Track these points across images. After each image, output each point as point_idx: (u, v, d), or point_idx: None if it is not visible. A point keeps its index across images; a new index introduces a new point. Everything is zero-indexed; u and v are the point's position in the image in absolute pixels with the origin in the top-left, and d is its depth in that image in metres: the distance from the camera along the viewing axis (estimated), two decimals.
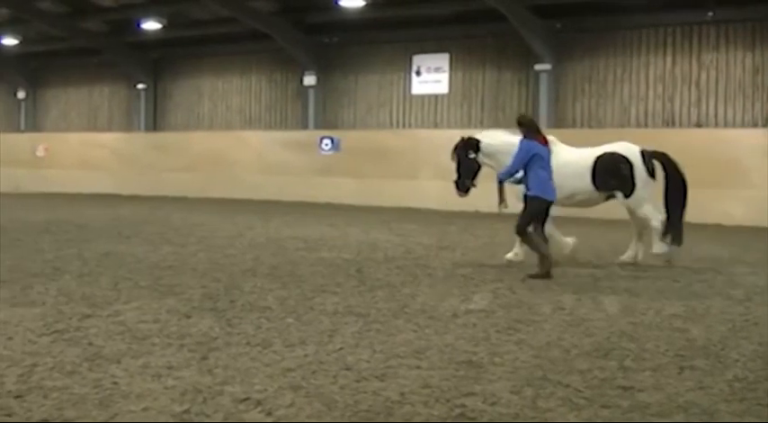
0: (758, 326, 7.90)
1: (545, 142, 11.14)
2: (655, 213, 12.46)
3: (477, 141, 12.49)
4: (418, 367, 6.09)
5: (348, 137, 28.35)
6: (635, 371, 6.11)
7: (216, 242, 14.57)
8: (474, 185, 12.54)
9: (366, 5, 26.48)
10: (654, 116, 24.77)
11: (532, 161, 10.88)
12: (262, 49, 31.38)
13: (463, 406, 5.19)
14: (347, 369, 5.99)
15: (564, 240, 12.40)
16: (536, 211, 10.99)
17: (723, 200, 21.20)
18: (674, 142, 22.01)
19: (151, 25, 31.20)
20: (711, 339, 7.23)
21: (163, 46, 33.89)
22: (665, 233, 12.41)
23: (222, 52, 32.76)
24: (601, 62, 25.55)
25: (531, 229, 11.00)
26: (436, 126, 28.05)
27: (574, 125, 25.82)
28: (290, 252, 13.19)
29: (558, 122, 25.82)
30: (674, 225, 12.39)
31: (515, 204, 11.39)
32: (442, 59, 28.25)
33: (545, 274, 10.69)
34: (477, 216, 21.21)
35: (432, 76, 28.43)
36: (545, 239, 11.19)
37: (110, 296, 8.85)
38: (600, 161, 12.40)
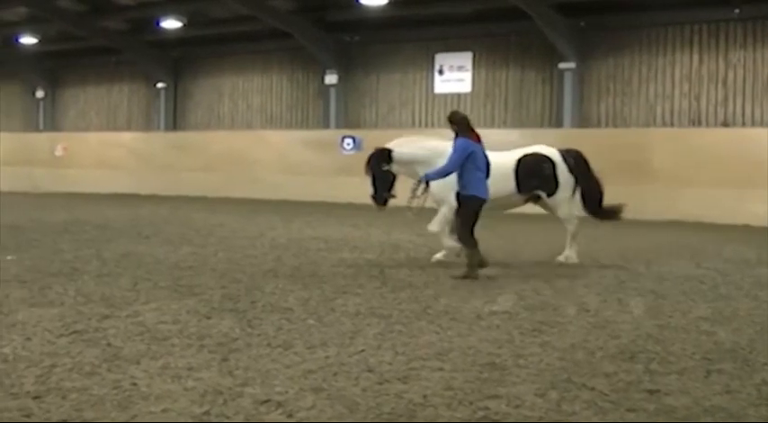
0: None
1: (478, 140, 10.86)
2: (572, 217, 12.57)
3: (390, 151, 12.30)
4: (441, 369, 6.02)
5: (370, 136, 28.19)
6: (661, 374, 6.03)
7: (236, 242, 14.53)
8: (393, 196, 12.33)
9: (388, 3, 26.37)
10: (680, 115, 24.52)
11: (468, 160, 10.59)
12: (282, 47, 31.33)
13: (486, 409, 5.14)
14: (369, 371, 5.94)
15: (451, 243, 12.10)
16: (473, 211, 10.70)
17: (750, 200, 20.89)
18: (700, 142, 21.93)
19: (171, 24, 31.23)
20: (739, 342, 7.12)
21: (182, 44, 33.88)
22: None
23: (242, 51, 32.69)
24: (626, 60, 25.33)
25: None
26: None
27: (598, 124, 25.63)
28: (312, 253, 13.13)
29: (583, 122, 25.67)
30: (601, 216, 12.78)
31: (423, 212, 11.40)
32: (465, 58, 28.12)
33: (472, 275, 10.47)
34: (499, 216, 21.02)
35: (454, 75, 28.30)
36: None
37: (129, 297, 8.82)
38: (522, 162, 12.34)
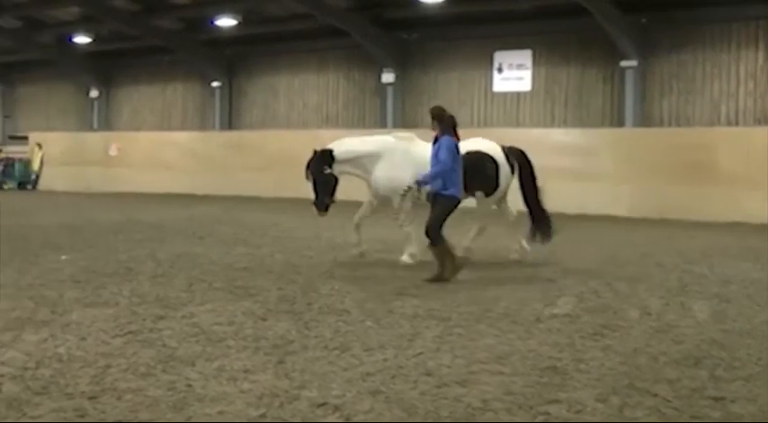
0: None
1: (458, 140, 10.63)
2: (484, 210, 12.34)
3: (331, 152, 11.98)
4: (501, 373, 5.95)
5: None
6: (726, 381, 5.89)
7: (292, 243, 14.53)
8: (333, 202, 12.08)
9: (446, 0, 26.25)
10: (745, 114, 24.01)
11: (453, 160, 10.38)
12: (338, 45, 31.27)
13: (547, 413, 5.08)
14: (427, 374, 5.87)
15: (413, 249, 11.91)
16: (449, 211, 10.43)
17: None
18: (765, 141, 21.38)
19: (225, 22, 31.41)
20: None
21: (237, 43, 33.96)
22: (533, 234, 12.32)
23: (298, 49, 32.68)
24: (689, 58, 24.86)
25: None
26: (518, 125, 27.62)
27: (661, 123, 25.20)
28: (369, 254, 13.04)
29: (645, 121, 25.25)
30: (539, 222, 12.32)
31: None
32: (525, 56, 27.84)
33: (445, 278, 10.22)
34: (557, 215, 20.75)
35: (514, 73, 28.02)
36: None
37: (184, 297, 8.84)
38: (466, 161, 11.28)
